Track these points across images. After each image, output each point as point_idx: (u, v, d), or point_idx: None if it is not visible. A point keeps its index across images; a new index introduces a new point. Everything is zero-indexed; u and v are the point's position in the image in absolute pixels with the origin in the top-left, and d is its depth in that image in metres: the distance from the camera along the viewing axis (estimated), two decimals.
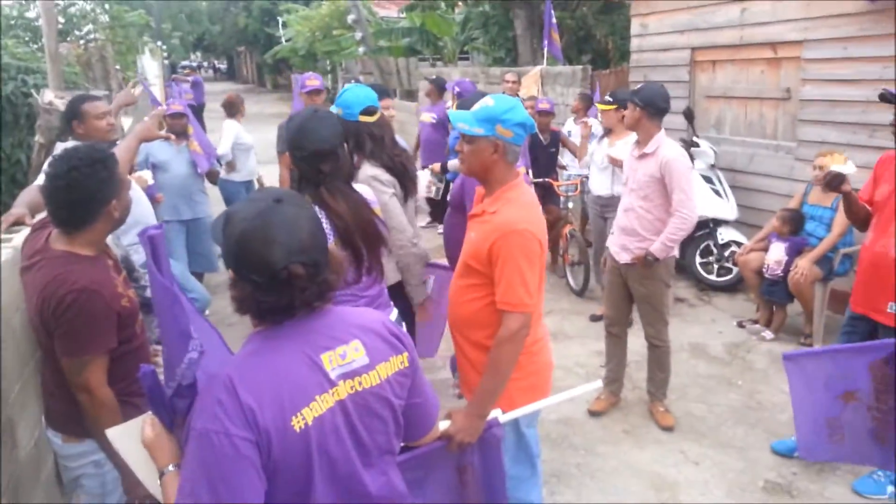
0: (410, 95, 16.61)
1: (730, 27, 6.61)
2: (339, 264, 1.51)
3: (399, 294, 2.97)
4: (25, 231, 3.02)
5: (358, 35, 19.03)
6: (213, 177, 5.75)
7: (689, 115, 6.41)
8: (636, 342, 4.38)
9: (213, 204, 6.96)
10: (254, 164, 6.65)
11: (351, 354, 1.47)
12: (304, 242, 1.39)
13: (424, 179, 3.97)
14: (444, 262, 3.62)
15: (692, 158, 6.27)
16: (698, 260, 6.28)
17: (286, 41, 26.85)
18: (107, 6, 14.10)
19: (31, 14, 12.76)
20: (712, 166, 6.41)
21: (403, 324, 2.80)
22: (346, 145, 2.54)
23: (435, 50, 17.09)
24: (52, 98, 5.19)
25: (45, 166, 2.16)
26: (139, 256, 3.57)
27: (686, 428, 4.02)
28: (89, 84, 8.04)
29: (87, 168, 2.06)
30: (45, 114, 5.15)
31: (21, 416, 2.46)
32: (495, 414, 2.18)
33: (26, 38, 11.64)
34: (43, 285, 2.05)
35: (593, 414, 4.14)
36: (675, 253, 3.94)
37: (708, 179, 6.30)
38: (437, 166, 6.08)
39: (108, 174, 2.11)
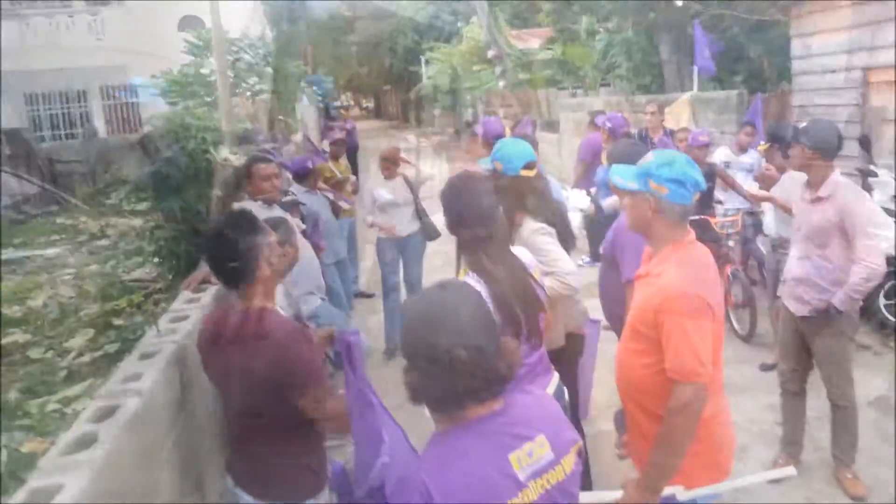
0: (551, 126, 16.52)
1: None
2: (512, 354, 1.49)
3: (561, 359, 2.90)
4: (213, 289, 3.30)
5: (498, 69, 19.34)
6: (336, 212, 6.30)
7: (865, 142, 5.86)
8: (816, 396, 3.98)
9: (370, 257, 7.20)
10: (401, 220, 5.87)
11: (537, 452, 1.44)
12: (466, 327, 1.39)
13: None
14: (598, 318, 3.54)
15: (870, 189, 5.73)
16: (883, 302, 5.65)
17: (428, 79, 27.85)
18: (270, 59, 15.31)
19: (204, 70, 14.16)
20: (895, 197, 5.80)
21: (566, 389, 2.71)
22: (500, 207, 2.51)
23: (576, 79, 16.94)
24: (227, 154, 5.66)
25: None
26: (307, 307, 3.79)
27: (881, 497, 3.59)
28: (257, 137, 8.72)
29: (232, 226, 2.17)
30: (221, 169, 5.62)
31: (207, 471, 2.65)
32: (674, 490, 2.06)
33: (202, 93, 12.89)
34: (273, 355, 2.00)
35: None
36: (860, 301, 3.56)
37: (890, 212, 5.69)
38: (593, 190, 5.94)
39: (247, 222, 2.19)
